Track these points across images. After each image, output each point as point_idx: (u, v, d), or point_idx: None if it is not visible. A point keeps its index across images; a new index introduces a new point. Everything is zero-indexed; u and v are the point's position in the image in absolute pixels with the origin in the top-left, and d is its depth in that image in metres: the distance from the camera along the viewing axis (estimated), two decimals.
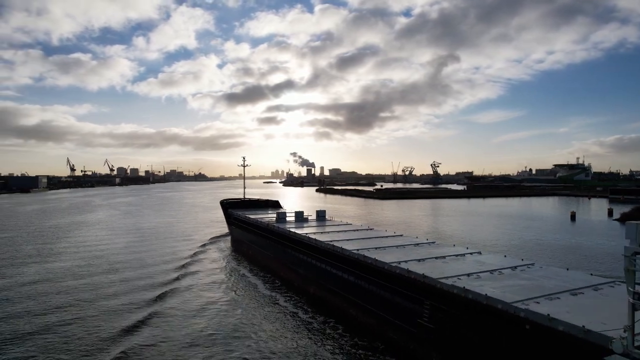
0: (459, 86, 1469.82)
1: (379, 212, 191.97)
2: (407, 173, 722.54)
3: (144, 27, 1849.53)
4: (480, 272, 40.23)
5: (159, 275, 68.65)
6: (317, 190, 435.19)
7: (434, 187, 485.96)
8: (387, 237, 64.89)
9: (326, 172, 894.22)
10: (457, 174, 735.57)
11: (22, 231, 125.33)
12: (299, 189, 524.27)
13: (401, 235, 65.94)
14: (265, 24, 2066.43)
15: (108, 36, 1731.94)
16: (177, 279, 66.48)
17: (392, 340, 40.88)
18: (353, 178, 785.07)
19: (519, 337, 27.57)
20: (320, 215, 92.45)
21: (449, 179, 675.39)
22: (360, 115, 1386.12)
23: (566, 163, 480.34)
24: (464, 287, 34.32)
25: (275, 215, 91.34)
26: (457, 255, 48.71)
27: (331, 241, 59.32)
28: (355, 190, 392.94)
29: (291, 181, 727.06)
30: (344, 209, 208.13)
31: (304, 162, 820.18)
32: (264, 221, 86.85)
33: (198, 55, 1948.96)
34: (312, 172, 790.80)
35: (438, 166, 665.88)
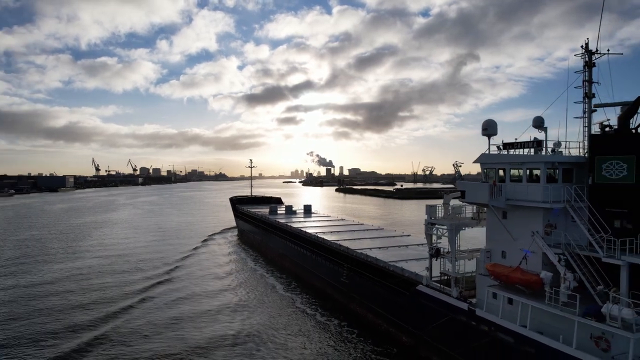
0: (480, 85, 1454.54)
1: (398, 212, 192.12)
2: (427, 173, 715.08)
3: (167, 31, 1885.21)
4: (392, 246, 57.46)
5: (176, 255, 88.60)
6: (336, 190, 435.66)
7: (456, 187, 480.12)
8: (350, 224, 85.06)
9: (345, 172, 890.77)
10: (479, 173, 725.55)
11: (51, 229, 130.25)
12: (318, 188, 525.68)
13: (362, 224, 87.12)
14: (284, 25, 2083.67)
15: (133, 40, 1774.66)
16: (190, 256, 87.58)
17: (328, 294, 58.01)
18: (372, 178, 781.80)
19: (390, 281, 44.28)
20: (307, 210, 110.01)
21: (471, 178, 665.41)
22: (379, 115, 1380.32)
23: None
24: (366, 253, 50.99)
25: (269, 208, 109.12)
26: (388, 237, 66.36)
27: (300, 227, 76.73)
28: (374, 190, 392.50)
29: (310, 181, 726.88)
30: (363, 209, 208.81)
31: (322, 161, 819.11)
32: (259, 213, 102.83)
33: (219, 57, 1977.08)
34: (332, 172, 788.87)
35: (460, 166, 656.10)
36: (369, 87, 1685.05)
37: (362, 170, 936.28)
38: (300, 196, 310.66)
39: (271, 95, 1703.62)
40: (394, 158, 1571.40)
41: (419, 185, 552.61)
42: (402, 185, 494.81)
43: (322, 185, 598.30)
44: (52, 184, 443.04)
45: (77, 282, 66.34)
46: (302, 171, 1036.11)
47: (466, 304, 33.83)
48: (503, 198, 32.51)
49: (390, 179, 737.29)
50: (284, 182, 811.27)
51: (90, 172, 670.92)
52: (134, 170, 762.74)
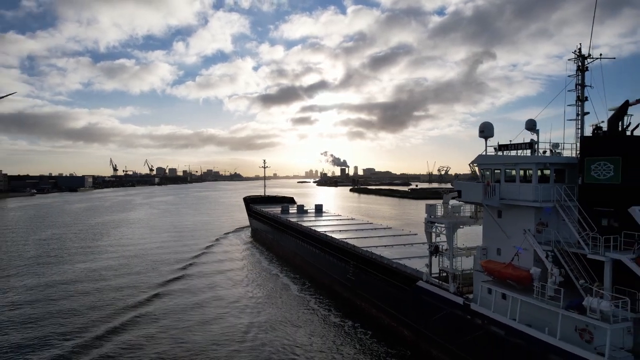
0: (496, 84, 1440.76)
1: (412, 211, 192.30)
2: (443, 173, 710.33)
3: (183, 33, 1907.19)
4: (397, 244, 59.64)
5: (191, 253, 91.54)
6: (351, 190, 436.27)
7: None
8: (359, 223, 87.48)
9: (360, 172, 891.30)
10: None
11: (71, 228, 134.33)
12: (332, 188, 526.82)
13: (371, 223, 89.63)
14: (299, 26, 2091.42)
15: (150, 42, 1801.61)
16: (205, 253, 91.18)
17: (336, 291, 59.99)
18: (387, 178, 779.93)
19: (393, 277, 46.44)
20: (318, 209, 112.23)
21: None
22: (394, 115, 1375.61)
23: None
24: (371, 251, 53.12)
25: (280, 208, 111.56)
26: (395, 235, 68.76)
27: (310, 226, 78.86)
28: (389, 190, 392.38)
29: (325, 181, 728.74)
30: (377, 209, 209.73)
31: (336, 161, 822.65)
32: (272, 213, 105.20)
33: (234, 58, 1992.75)
34: (346, 172, 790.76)
35: (476, 166, 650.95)
36: (384, 86, 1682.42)
37: (376, 170, 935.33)
38: (314, 196, 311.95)
39: (286, 95, 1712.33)
40: (409, 158, 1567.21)
41: (435, 185, 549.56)
42: (417, 185, 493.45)
43: (336, 185, 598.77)
44: (71, 183, 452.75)
45: (95, 280, 68.96)
46: (316, 171, 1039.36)
47: (462, 298, 35.32)
48: (497, 197, 33.93)
49: (405, 179, 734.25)
50: (298, 182, 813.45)
51: (108, 172, 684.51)
52: (151, 170, 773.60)
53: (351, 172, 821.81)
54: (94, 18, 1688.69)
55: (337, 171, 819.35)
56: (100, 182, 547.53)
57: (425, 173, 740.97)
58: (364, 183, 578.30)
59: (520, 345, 28.82)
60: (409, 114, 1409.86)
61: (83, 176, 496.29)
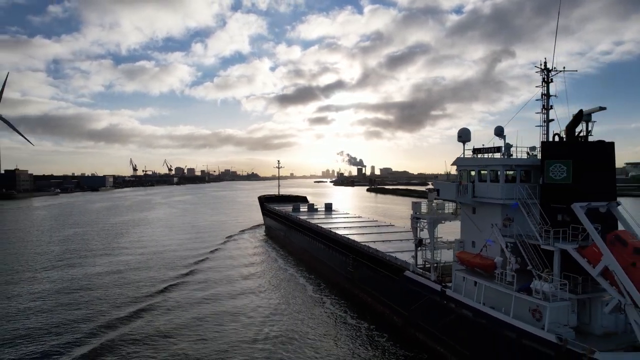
0: (515, 82, 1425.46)
1: None
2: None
3: (201, 35, 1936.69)
4: (395, 240, 64.52)
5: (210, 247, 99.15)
6: (367, 190, 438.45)
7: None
8: (364, 221, 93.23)
9: (377, 172, 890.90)
10: None
11: (93, 227, 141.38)
12: (349, 188, 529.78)
13: (376, 221, 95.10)
14: (315, 26, 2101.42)
15: (170, 44, 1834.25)
16: (220, 249, 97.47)
17: (337, 282, 64.80)
18: (404, 177, 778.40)
19: (385, 268, 51.08)
20: (328, 207, 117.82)
21: None
22: (411, 114, 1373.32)
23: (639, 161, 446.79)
24: (368, 245, 58.09)
25: (292, 206, 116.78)
26: (395, 232, 73.67)
27: (318, 224, 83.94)
28: (406, 190, 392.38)
29: (342, 180, 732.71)
30: (394, 209, 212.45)
31: (352, 161, 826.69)
32: (284, 211, 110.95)
33: (251, 59, 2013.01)
34: (363, 172, 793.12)
35: None
36: (401, 86, 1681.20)
37: (393, 170, 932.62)
38: (330, 196, 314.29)
39: (303, 95, 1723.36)
40: (426, 157, 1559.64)
41: None
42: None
43: (353, 185, 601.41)
44: (93, 183, 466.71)
45: (117, 278, 72.90)
46: (333, 171, 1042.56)
47: (440, 285, 39.47)
48: (469, 195, 38.03)
49: (423, 178, 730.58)
50: (315, 182, 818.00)
51: (128, 172, 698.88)
52: (170, 170, 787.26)
53: (368, 172, 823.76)
54: (116, 22, 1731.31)
55: (353, 171, 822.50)
56: (120, 182, 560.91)
57: (442, 173, 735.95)
58: (381, 183, 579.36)
59: (484, 324, 32.91)
60: (426, 113, 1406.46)
61: (104, 176, 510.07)
